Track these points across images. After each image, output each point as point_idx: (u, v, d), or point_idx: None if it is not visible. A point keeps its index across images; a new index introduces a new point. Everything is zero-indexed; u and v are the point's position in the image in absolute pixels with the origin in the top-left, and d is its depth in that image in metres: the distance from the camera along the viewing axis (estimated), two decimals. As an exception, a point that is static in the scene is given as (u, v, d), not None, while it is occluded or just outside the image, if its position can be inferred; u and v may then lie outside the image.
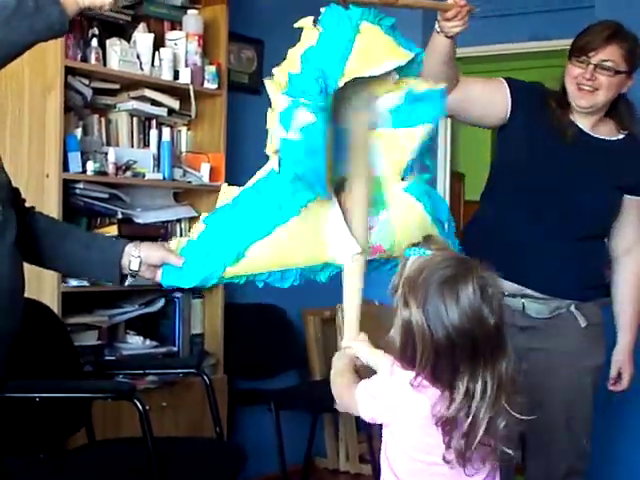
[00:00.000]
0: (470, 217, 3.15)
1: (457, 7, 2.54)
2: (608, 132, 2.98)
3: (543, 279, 2.88)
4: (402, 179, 2.31)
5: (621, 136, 2.98)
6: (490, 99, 2.97)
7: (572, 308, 2.91)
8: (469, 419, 1.75)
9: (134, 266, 2.35)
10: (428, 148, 2.37)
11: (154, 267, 2.35)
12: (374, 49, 2.25)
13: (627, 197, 2.99)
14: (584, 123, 2.94)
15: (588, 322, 2.92)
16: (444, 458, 1.78)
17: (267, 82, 2.19)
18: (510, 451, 1.82)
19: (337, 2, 2.24)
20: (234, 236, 2.27)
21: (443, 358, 1.75)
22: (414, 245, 1.92)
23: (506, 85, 2.97)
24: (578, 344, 2.93)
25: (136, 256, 2.35)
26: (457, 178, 6.62)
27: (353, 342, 2.13)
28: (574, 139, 2.92)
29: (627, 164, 2.96)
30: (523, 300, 2.89)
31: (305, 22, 2.23)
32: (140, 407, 2.71)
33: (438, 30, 2.67)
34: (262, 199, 2.25)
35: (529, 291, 2.88)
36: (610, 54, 2.82)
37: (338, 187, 2.26)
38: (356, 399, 1.93)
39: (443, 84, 2.36)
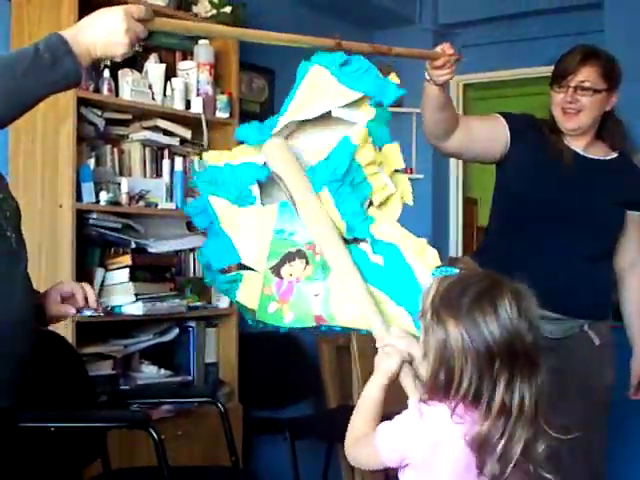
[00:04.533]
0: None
1: (445, 56, 2.63)
2: (602, 152, 3.09)
3: (557, 300, 2.89)
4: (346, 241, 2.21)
5: (614, 155, 3.10)
6: (491, 134, 3.07)
7: (585, 327, 2.94)
8: (504, 439, 1.70)
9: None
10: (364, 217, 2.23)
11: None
12: (313, 92, 2.28)
13: (629, 213, 3.08)
14: (577, 146, 3.05)
15: (601, 341, 2.94)
16: None
17: None
18: (550, 476, 1.77)
19: (331, 48, 2.28)
20: None
21: (484, 374, 1.70)
22: (439, 266, 1.89)
23: (502, 119, 3.08)
24: (592, 363, 2.96)
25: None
26: (470, 203, 6.62)
27: (400, 340, 1.96)
28: (572, 162, 3.01)
29: (625, 181, 3.05)
30: None
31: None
32: (155, 436, 2.70)
33: (428, 78, 2.75)
34: None
35: (543, 312, 2.89)
36: (586, 75, 2.96)
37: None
38: (377, 447, 1.82)
39: None
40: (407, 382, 1.92)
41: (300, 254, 2.24)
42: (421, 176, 5.63)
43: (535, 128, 3.09)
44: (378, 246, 2.18)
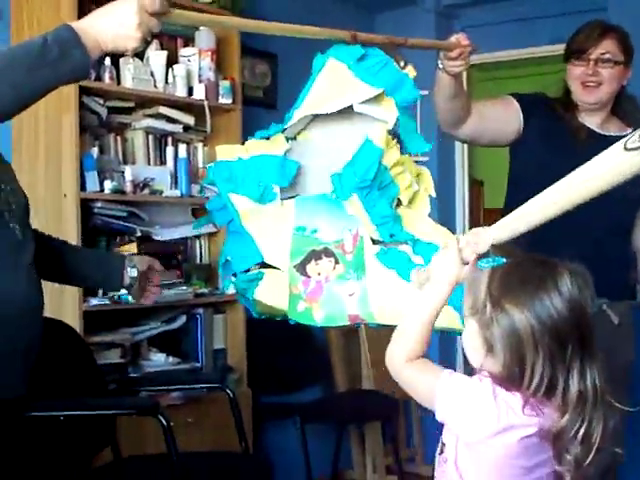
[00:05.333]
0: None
1: (460, 47, 2.62)
2: (617, 129, 3.08)
3: None
4: (374, 242, 2.21)
5: (629, 130, 3.04)
6: (503, 117, 3.07)
7: (604, 307, 2.94)
8: (584, 425, 1.66)
9: (133, 274, 2.76)
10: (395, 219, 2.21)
11: (143, 290, 2.82)
12: (330, 86, 2.27)
13: None
14: (593, 122, 3.03)
15: (620, 320, 2.94)
16: (555, 473, 1.70)
17: None
18: (619, 450, 1.76)
19: (345, 40, 2.26)
20: None
21: (556, 362, 1.65)
22: (483, 257, 1.80)
23: (514, 100, 3.08)
24: (611, 342, 2.95)
25: (132, 266, 2.76)
26: (476, 185, 6.61)
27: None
28: (587, 140, 2.99)
29: None
30: None
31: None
32: (164, 422, 2.70)
33: (441, 68, 2.73)
34: None
35: None
36: (607, 47, 2.97)
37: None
38: (435, 391, 1.73)
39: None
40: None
41: (327, 252, 2.23)
42: (426, 158, 5.60)
43: (548, 106, 3.08)
44: (418, 246, 2.17)
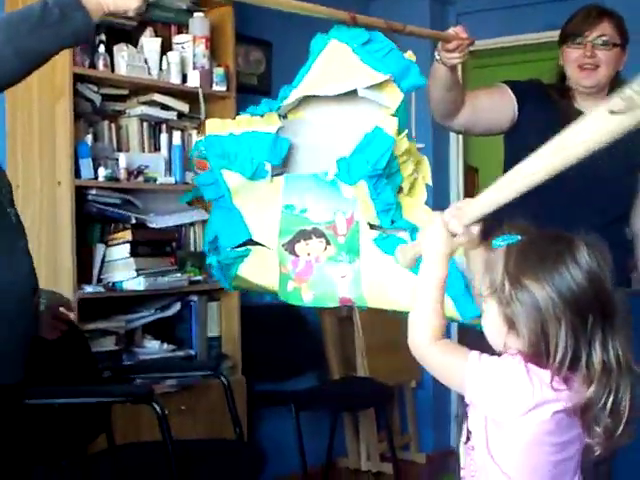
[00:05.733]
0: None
1: (458, 39, 2.62)
2: None
3: None
4: (372, 227, 2.21)
5: None
6: (497, 105, 3.06)
7: None
8: (611, 395, 1.65)
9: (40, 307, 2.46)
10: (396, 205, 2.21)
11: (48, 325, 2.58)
12: (333, 68, 2.25)
13: None
14: (588, 108, 2.99)
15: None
16: (587, 446, 1.69)
17: None
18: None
19: (345, 21, 2.24)
20: None
21: (579, 335, 1.64)
22: (498, 236, 1.79)
23: (507, 87, 3.07)
24: None
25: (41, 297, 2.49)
26: (471, 172, 6.61)
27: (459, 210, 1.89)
28: None
29: (636, 141, 3.00)
30: None
31: None
32: (158, 410, 2.71)
33: (438, 59, 2.73)
34: None
35: None
36: (604, 30, 2.96)
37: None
38: (465, 372, 1.69)
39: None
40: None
41: (317, 232, 2.22)
42: (421, 145, 5.59)
43: (543, 93, 3.08)
44: (416, 234, 2.16)
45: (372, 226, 2.20)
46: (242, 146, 2.27)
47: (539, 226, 1.79)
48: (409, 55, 2.25)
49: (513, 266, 1.70)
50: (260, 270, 2.29)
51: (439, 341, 1.76)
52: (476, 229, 1.88)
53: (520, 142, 3.05)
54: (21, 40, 1.95)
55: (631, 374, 1.69)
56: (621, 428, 1.66)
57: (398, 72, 2.21)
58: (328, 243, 2.20)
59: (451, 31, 2.64)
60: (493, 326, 1.74)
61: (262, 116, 2.35)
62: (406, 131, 2.21)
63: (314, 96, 2.30)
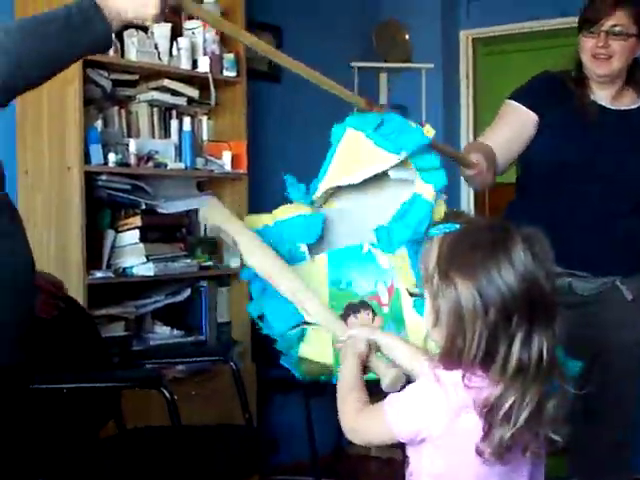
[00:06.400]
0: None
1: (478, 168, 2.70)
2: (629, 101, 3.06)
3: (589, 259, 2.93)
4: (411, 295, 2.18)
5: None
6: (519, 128, 3.05)
7: (617, 282, 2.95)
8: (514, 398, 1.58)
9: None
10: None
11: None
12: (351, 157, 2.25)
13: None
14: (604, 96, 3.00)
15: (633, 295, 2.94)
16: (477, 450, 1.60)
17: None
18: (557, 437, 1.64)
19: (363, 108, 2.26)
20: None
21: (499, 333, 1.58)
22: (437, 224, 1.75)
23: (518, 104, 3.06)
24: (623, 317, 2.96)
25: None
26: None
27: (362, 331, 1.94)
28: (598, 118, 2.98)
29: None
30: (569, 279, 2.93)
31: None
32: (167, 395, 2.71)
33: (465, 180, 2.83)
34: None
35: (575, 271, 2.93)
36: (618, 19, 2.91)
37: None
38: (387, 420, 1.68)
39: None
40: (377, 364, 1.88)
41: (364, 305, 2.20)
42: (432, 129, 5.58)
43: (556, 85, 3.06)
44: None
45: (411, 294, 2.19)
46: (276, 235, 2.27)
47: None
48: (427, 130, 2.23)
49: (443, 258, 1.66)
50: (319, 349, 2.28)
51: (361, 412, 1.77)
52: None
53: (538, 140, 3.04)
54: (47, 45, 1.96)
55: (549, 380, 1.63)
56: (511, 440, 1.59)
57: (411, 150, 2.18)
58: (375, 314, 2.20)
59: (473, 159, 2.70)
60: (426, 317, 1.73)
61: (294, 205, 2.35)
62: (444, 197, 2.20)
63: (341, 187, 2.31)
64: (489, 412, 1.60)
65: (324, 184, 2.29)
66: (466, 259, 1.62)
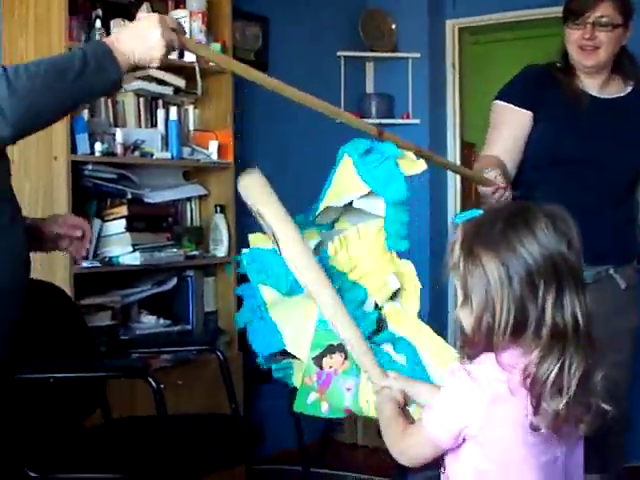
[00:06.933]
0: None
1: (496, 186, 2.72)
2: (617, 89, 3.09)
3: (584, 248, 2.92)
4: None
5: (629, 89, 3.10)
6: (518, 127, 3.07)
7: (611, 271, 2.98)
8: (557, 365, 1.58)
9: None
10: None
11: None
12: (340, 182, 2.30)
13: None
14: (592, 86, 3.02)
15: (627, 283, 2.97)
16: (531, 425, 1.60)
17: None
18: (607, 406, 1.66)
19: (373, 136, 2.27)
20: None
21: (527, 302, 1.60)
22: (460, 213, 1.78)
23: (511, 105, 3.07)
24: (617, 305, 2.98)
25: None
26: (468, 148, 6.60)
27: (396, 381, 1.95)
28: (587, 107, 3.01)
29: None
30: None
31: None
32: (154, 384, 2.71)
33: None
34: None
35: None
36: (604, 10, 2.92)
37: None
38: (429, 433, 1.70)
39: None
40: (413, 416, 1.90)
41: (340, 348, 2.22)
42: (417, 121, 5.60)
43: (543, 77, 3.08)
44: (399, 345, 2.18)
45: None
46: (278, 263, 2.27)
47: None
48: (420, 164, 2.24)
49: (468, 238, 1.69)
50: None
51: (404, 433, 1.79)
52: None
53: (535, 135, 3.05)
54: (63, 88, 2.05)
55: (589, 348, 1.63)
56: (565, 410, 1.60)
57: (382, 182, 2.21)
58: (345, 358, 2.22)
59: (491, 176, 2.73)
60: (459, 304, 1.72)
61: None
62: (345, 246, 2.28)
63: (345, 207, 2.35)
64: (533, 384, 1.60)
65: (323, 204, 2.35)
66: (488, 234, 1.65)
